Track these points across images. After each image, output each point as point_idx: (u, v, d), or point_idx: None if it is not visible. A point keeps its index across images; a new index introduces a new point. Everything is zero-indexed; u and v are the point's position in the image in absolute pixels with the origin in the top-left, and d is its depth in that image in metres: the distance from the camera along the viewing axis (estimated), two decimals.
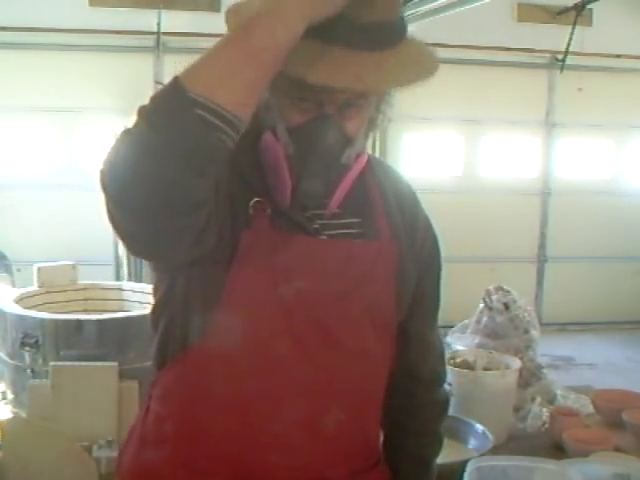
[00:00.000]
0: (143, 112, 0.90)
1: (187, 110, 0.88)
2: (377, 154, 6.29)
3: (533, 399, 1.98)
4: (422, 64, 1.04)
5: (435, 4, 5.45)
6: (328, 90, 1.01)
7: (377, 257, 1.17)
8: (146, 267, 4.86)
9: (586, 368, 6.02)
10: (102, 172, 0.91)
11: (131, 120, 0.94)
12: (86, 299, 4.05)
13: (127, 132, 0.92)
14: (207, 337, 1.11)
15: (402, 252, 1.20)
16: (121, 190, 0.91)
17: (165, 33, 6.14)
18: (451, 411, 1.84)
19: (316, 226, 1.14)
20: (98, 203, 0.98)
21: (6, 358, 3.55)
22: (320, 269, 1.13)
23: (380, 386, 1.25)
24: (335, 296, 1.14)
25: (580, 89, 6.62)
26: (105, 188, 0.91)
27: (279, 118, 1.08)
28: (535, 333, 2.09)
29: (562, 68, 6.49)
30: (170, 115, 0.89)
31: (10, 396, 3.55)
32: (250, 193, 1.10)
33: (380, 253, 1.18)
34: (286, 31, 0.91)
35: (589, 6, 6.37)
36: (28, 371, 3.41)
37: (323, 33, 0.96)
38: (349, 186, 1.13)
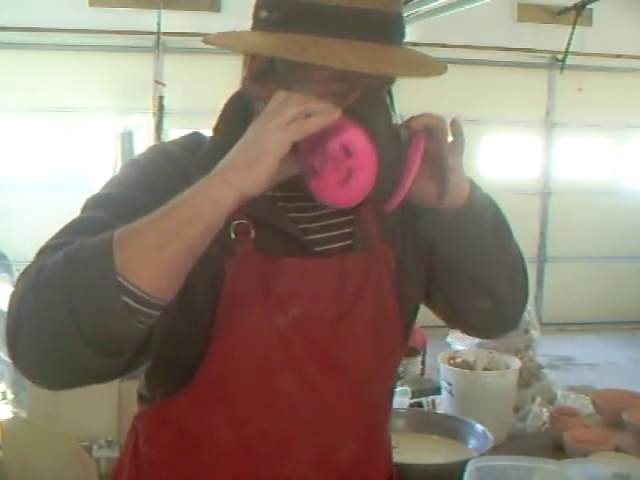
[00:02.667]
0: (65, 273, 0.84)
1: (113, 296, 0.82)
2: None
3: (533, 399, 1.98)
4: (430, 62, 1.00)
5: (435, 4, 5.46)
6: (367, 76, 0.95)
7: (368, 268, 1.09)
8: None
9: (586, 368, 6.02)
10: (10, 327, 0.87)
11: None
12: None
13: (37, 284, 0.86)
14: (198, 383, 1.01)
15: (400, 254, 1.13)
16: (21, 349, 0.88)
17: (165, 33, 6.14)
18: (451, 411, 1.84)
19: (309, 239, 1.06)
20: None
21: (6, 358, 3.54)
22: (314, 291, 1.05)
23: (387, 399, 1.20)
24: (333, 318, 1.06)
25: (580, 89, 6.63)
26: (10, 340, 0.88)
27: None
28: (535, 333, 2.09)
29: (562, 68, 6.50)
30: (93, 298, 0.83)
31: (10, 396, 3.55)
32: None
33: (371, 263, 1.10)
34: (215, 209, 0.86)
35: (589, 6, 6.38)
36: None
37: (329, 28, 0.93)
38: (420, 165, 0.99)
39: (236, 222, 1.00)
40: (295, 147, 0.89)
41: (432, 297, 1.18)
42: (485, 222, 1.09)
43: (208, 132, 1.09)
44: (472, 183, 1.07)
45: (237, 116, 1.05)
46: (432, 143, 0.99)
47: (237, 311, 1.00)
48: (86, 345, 0.84)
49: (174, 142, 1.09)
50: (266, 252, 1.02)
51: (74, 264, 0.84)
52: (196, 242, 0.87)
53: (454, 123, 1.00)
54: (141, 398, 1.13)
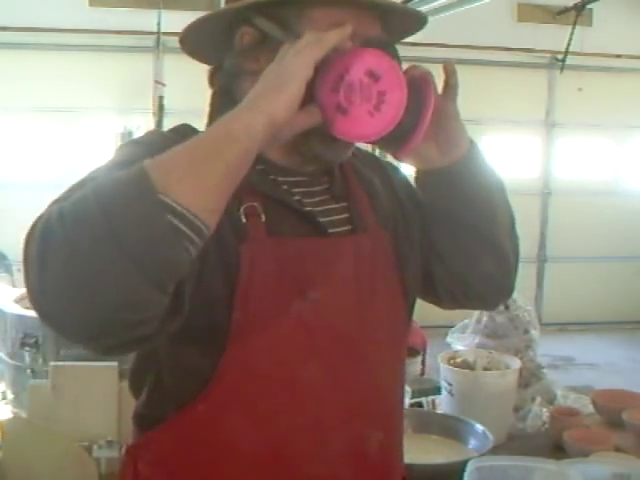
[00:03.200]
0: (98, 202, 0.75)
1: (157, 215, 0.75)
2: None
3: (533, 399, 1.98)
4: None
5: (435, 4, 5.46)
6: (363, 23, 0.96)
7: (373, 248, 1.07)
8: None
9: (586, 368, 6.02)
10: (29, 264, 0.77)
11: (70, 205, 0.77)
12: None
13: (67, 224, 0.75)
14: (220, 378, 0.94)
15: (396, 238, 1.11)
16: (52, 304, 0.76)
17: (165, 33, 6.13)
18: (451, 411, 1.84)
19: (324, 220, 1.02)
20: None
21: (6, 358, 3.55)
22: (332, 273, 1.01)
23: (401, 387, 1.17)
24: (354, 302, 1.02)
25: (580, 89, 6.63)
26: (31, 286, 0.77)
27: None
28: (535, 333, 2.09)
29: (562, 68, 6.50)
30: (137, 220, 0.75)
31: (10, 396, 3.55)
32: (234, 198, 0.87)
33: (375, 243, 1.08)
34: (247, 132, 0.81)
35: (589, 6, 6.37)
36: (28, 371, 3.42)
37: None
38: (433, 110, 0.98)
39: (246, 205, 0.97)
40: (312, 96, 0.89)
41: (432, 275, 1.16)
42: (488, 173, 1.10)
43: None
44: (470, 139, 1.10)
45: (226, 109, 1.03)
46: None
47: (255, 298, 0.95)
48: (136, 270, 0.75)
49: (169, 130, 1.07)
50: (278, 234, 0.98)
51: (107, 190, 0.77)
52: (234, 162, 0.81)
53: (448, 65, 1.02)
54: (142, 421, 1.04)
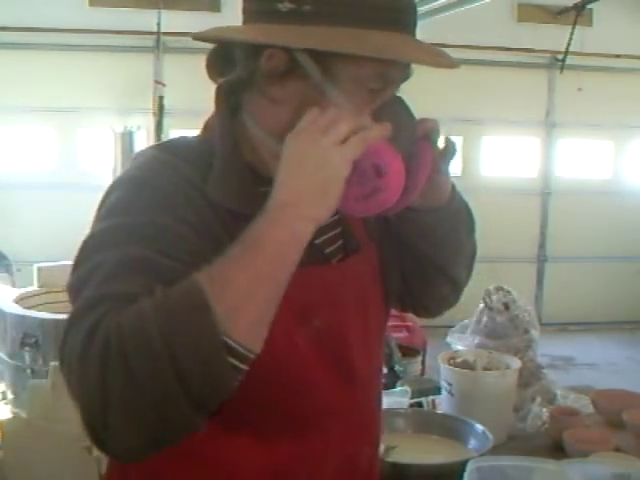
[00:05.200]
0: (161, 335, 0.74)
1: (220, 357, 0.76)
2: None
3: (533, 399, 1.98)
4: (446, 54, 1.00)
5: (435, 4, 5.45)
6: (404, 71, 0.94)
7: (364, 268, 1.08)
8: None
9: (586, 368, 6.02)
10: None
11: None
12: None
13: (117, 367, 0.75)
14: (221, 409, 0.90)
15: (381, 247, 1.12)
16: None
17: (165, 33, 6.14)
18: (451, 411, 1.84)
19: (317, 243, 1.01)
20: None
21: (6, 358, 3.55)
22: (333, 300, 1.01)
23: (380, 396, 1.20)
24: (354, 327, 1.03)
25: (580, 89, 6.62)
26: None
27: (361, 112, 0.92)
28: (535, 333, 2.09)
29: (562, 68, 6.50)
30: (200, 359, 0.75)
31: (10, 396, 3.55)
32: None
33: (364, 262, 1.08)
34: (298, 245, 0.82)
35: (589, 6, 6.37)
36: (28, 371, 3.42)
37: (384, 20, 0.90)
38: (429, 171, 0.99)
39: None
40: None
41: (407, 282, 1.19)
42: (460, 220, 1.13)
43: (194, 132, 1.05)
44: (453, 186, 1.09)
45: (230, 116, 1.00)
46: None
47: None
48: (193, 407, 0.77)
49: (164, 150, 0.99)
50: None
51: (169, 321, 0.75)
52: (285, 283, 0.83)
53: (449, 142, 1.02)
54: None
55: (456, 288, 1.19)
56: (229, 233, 0.88)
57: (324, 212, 0.85)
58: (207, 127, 1.03)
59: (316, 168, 0.84)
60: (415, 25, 0.95)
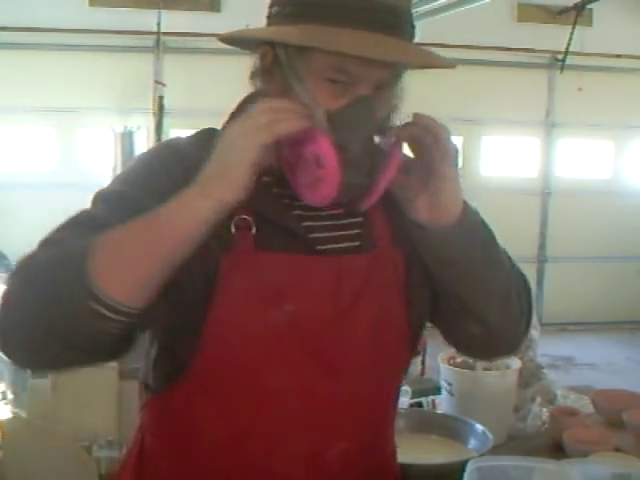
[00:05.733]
0: (52, 270, 0.90)
1: (82, 301, 0.88)
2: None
3: (533, 399, 1.98)
4: (440, 56, 1.04)
5: (435, 4, 5.46)
6: (368, 67, 0.95)
7: (372, 270, 1.08)
8: None
9: (586, 368, 6.02)
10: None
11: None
12: None
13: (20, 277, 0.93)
14: (192, 373, 1.03)
15: (410, 257, 1.10)
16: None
17: (165, 33, 6.14)
18: (451, 411, 1.84)
19: (311, 237, 1.05)
20: None
21: (6, 358, 3.54)
22: (311, 289, 1.04)
23: (390, 402, 1.19)
24: (329, 317, 1.04)
25: (580, 89, 6.62)
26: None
27: (315, 103, 0.96)
28: (535, 333, 2.09)
29: (562, 68, 6.50)
30: (65, 299, 0.89)
31: (10, 396, 3.55)
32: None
33: (376, 265, 1.08)
34: (194, 221, 0.90)
35: (589, 6, 6.37)
36: (28, 371, 3.41)
37: (354, 19, 0.94)
38: (393, 175, 1.00)
39: (238, 217, 1.00)
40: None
41: (434, 308, 1.15)
42: (475, 245, 1.06)
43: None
44: (466, 203, 1.06)
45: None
46: (422, 152, 1.00)
47: (230, 305, 1.00)
48: (60, 342, 0.90)
49: (188, 137, 1.10)
50: (266, 248, 1.02)
51: (56, 266, 0.89)
52: (171, 258, 0.91)
53: (443, 132, 1.00)
54: (146, 388, 1.13)
55: (486, 329, 1.10)
56: None
57: (228, 193, 0.90)
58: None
59: (224, 151, 0.91)
60: (398, 26, 0.98)
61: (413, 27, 1.01)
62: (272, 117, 0.91)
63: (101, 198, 1.00)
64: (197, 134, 1.10)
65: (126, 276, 0.89)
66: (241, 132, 0.91)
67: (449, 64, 1.02)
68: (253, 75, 1.05)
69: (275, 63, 1.00)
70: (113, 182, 1.04)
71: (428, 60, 1.01)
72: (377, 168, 0.99)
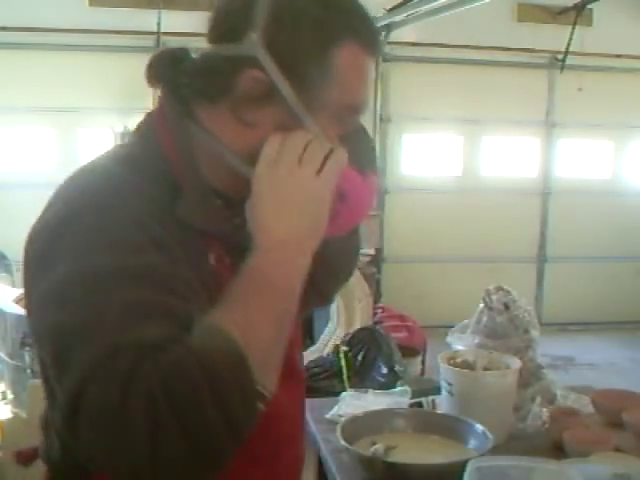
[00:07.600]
0: (210, 390, 0.75)
1: (254, 404, 0.80)
2: (377, 154, 6.28)
3: (533, 399, 1.98)
4: None
5: (435, 4, 5.45)
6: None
7: None
8: None
9: (586, 368, 6.02)
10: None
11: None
12: None
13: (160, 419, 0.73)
14: None
15: None
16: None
17: (165, 33, 6.13)
18: (451, 411, 1.84)
19: None
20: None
21: (6, 358, 3.55)
22: None
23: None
24: (297, 335, 1.08)
25: (580, 89, 6.62)
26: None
27: (332, 139, 0.94)
28: (535, 333, 2.08)
29: (562, 68, 6.49)
30: (239, 405, 0.78)
31: (10, 396, 3.55)
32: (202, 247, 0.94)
33: None
34: (301, 278, 0.87)
35: (589, 6, 6.37)
36: (28, 371, 3.42)
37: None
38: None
39: (213, 253, 0.96)
40: None
41: None
42: (352, 248, 1.20)
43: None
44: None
45: (186, 133, 0.98)
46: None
47: None
48: (234, 448, 0.79)
49: (121, 166, 0.95)
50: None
51: (214, 379, 0.75)
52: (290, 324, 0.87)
53: None
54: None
55: (326, 302, 1.30)
56: (201, 251, 0.94)
57: (318, 242, 0.89)
58: (144, 132, 1.02)
59: (305, 203, 0.88)
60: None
61: None
62: (326, 154, 0.89)
63: (124, 279, 0.80)
64: (118, 156, 0.99)
65: (276, 360, 0.84)
66: (308, 177, 0.88)
67: None
68: (215, 97, 0.96)
69: (270, 92, 0.91)
70: (107, 254, 0.82)
71: None
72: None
